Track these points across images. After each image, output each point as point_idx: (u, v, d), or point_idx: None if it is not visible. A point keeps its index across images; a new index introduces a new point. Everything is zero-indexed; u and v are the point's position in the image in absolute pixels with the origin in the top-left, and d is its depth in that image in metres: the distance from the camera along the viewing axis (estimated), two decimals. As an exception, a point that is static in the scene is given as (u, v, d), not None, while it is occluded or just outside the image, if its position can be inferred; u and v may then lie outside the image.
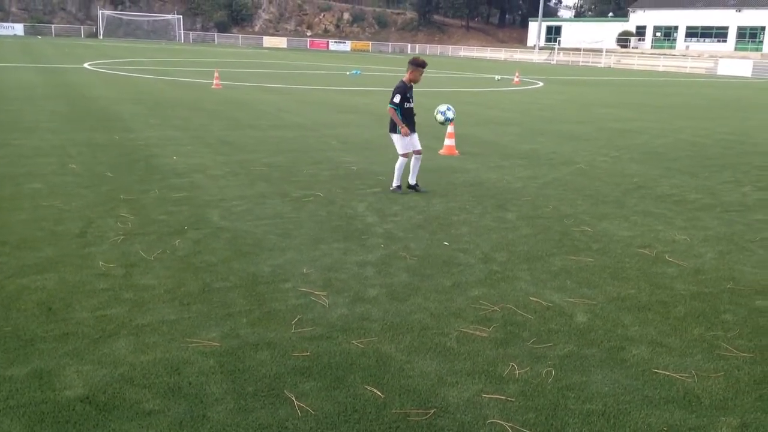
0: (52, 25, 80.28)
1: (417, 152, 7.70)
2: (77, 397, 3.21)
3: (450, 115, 8.27)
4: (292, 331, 4.02)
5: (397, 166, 7.76)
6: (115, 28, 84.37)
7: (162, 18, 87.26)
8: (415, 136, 7.69)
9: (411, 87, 7.64)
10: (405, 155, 7.63)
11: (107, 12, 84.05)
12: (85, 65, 29.64)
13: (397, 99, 7.49)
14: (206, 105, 16.33)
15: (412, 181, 7.86)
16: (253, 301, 4.45)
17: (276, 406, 3.22)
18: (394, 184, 7.85)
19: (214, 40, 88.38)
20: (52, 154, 9.29)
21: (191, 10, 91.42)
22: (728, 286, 5.11)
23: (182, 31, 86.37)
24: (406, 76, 7.57)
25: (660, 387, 3.54)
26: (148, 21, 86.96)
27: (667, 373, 3.69)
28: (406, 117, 7.56)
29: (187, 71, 29.01)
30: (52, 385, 3.31)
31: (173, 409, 3.15)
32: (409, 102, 7.58)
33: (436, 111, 8.34)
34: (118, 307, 4.24)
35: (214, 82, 21.67)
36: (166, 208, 6.69)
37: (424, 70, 7.56)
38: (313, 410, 3.19)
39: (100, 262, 5.03)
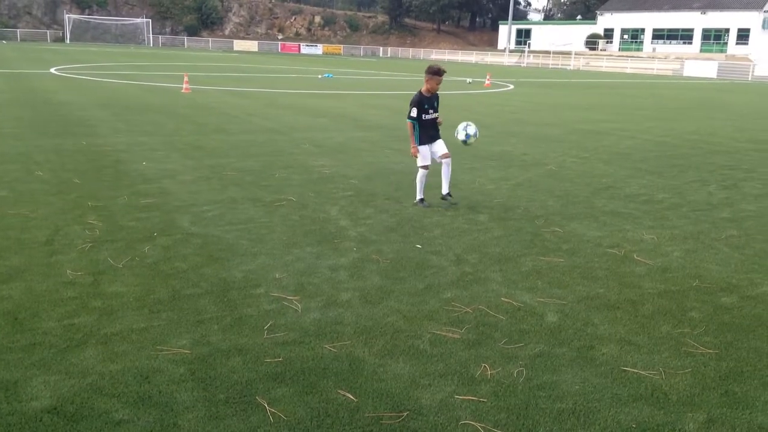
0: (18, 30, 78.82)
1: (444, 156, 7.28)
2: (44, 408, 3.16)
3: (471, 131, 7.62)
4: (264, 336, 4.00)
5: (417, 178, 7.39)
6: (82, 33, 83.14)
7: (130, 22, 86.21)
8: (440, 142, 7.30)
9: (430, 97, 7.18)
10: (425, 167, 7.28)
11: (74, 16, 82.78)
12: (51, 70, 29.15)
13: (413, 113, 7.09)
14: (176, 109, 16.17)
15: (444, 190, 7.43)
16: (224, 307, 4.41)
17: (248, 412, 3.20)
18: (417, 197, 7.44)
19: (183, 44, 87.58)
20: (17, 161, 9.12)
21: (160, 13, 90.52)
22: (694, 283, 5.21)
23: (151, 35, 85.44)
24: (423, 87, 7.15)
25: (629, 384, 3.59)
26: (116, 25, 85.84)
27: (636, 370, 3.75)
28: (426, 129, 7.19)
29: (156, 75, 28.69)
30: (18, 397, 3.25)
31: (143, 418, 3.11)
32: (428, 113, 7.15)
33: (456, 132, 7.70)
34: (86, 316, 4.18)
35: (184, 86, 21.47)
36: (135, 214, 6.61)
37: (442, 78, 7.10)
38: (286, 416, 3.18)
39: (68, 270, 4.95)
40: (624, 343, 4.09)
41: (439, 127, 7.36)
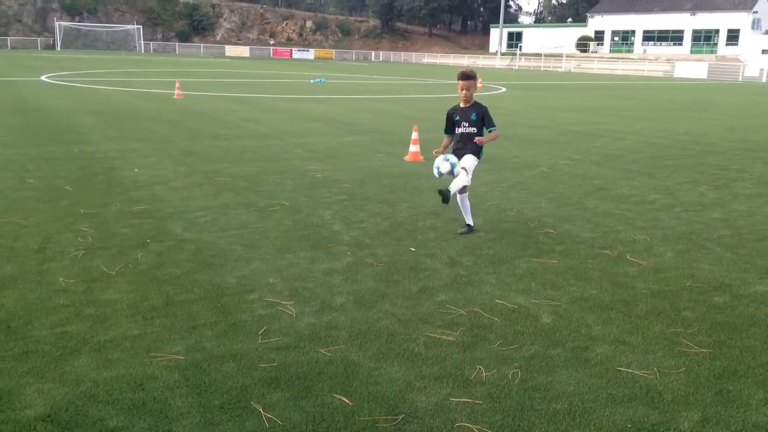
0: (8, 38, 78.53)
1: (461, 167, 6.21)
2: (38, 417, 3.14)
3: (443, 168, 6.08)
4: (259, 341, 3.99)
5: (458, 202, 6.55)
6: (73, 40, 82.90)
7: (121, 29, 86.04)
8: (466, 157, 6.27)
9: (466, 108, 6.27)
10: (461, 189, 6.33)
11: (64, 23, 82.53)
12: (42, 78, 29.05)
13: (444, 126, 6.43)
14: (168, 116, 16.14)
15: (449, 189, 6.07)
16: (218, 312, 4.40)
17: (243, 418, 3.19)
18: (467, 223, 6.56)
19: (175, 50, 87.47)
20: (8, 169, 9.08)
21: (151, 20, 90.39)
22: (687, 283, 5.23)
23: (142, 42, 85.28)
24: None
25: (623, 384, 3.60)
26: (107, 32, 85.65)
27: (630, 370, 3.76)
28: (458, 144, 6.34)
29: (147, 82, 28.64)
30: (12, 405, 3.23)
31: (138, 425, 3.09)
32: (462, 126, 6.25)
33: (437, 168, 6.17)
34: (79, 324, 4.16)
35: (176, 92, 21.44)
36: (127, 221, 6.59)
37: (464, 82, 6.15)
38: (281, 421, 3.18)
39: (60, 278, 4.93)
40: (618, 344, 4.10)
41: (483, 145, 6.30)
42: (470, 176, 6.24)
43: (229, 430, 3.09)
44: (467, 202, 6.50)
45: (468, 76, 6.14)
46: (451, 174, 6.12)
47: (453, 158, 6.17)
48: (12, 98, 19.47)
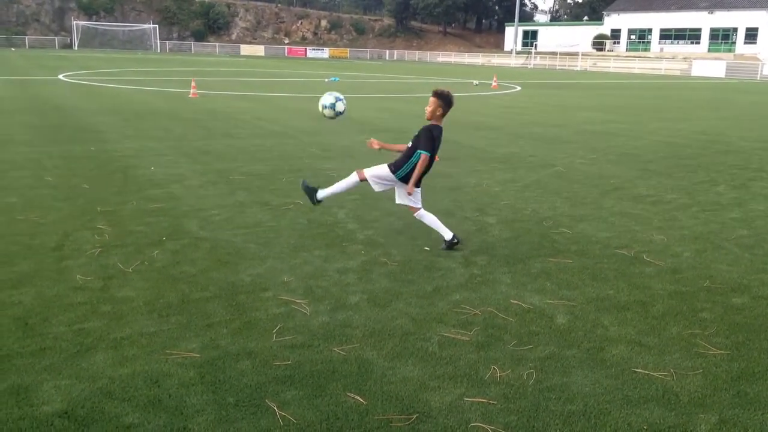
0: (26, 37, 79.37)
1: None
2: (56, 413, 3.17)
3: (330, 104, 6.05)
4: (273, 340, 4.01)
5: (430, 221, 5.86)
6: (90, 39, 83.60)
7: (138, 28, 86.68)
8: (415, 191, 5.77)
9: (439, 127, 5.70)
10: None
11: (82, 23, 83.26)
12: (60, 77, 29.32)
13: (428, 145, 5.63)
14: (183, 114, 16.23)
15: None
16: (233, 310, 4.42)
17: (258, 416, 3.20)
18: (446, 237, 5.84)
19: (191, 49, 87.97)
20: (26, 167, 9.17)
21: (167, 19, 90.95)
22: (705, 284, 5.18)
23: (158, 41, 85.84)
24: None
25: (639, 386, 3.57)
26: (123, 31, 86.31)
27: (647, 372, 3.73)
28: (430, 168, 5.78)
29: (163, 81, 28.81)
30: (29, 401, 3.26)
31: (153, 422, 3.11)
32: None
33: (327, 105, 6.11)
34: (96, 321, 4.19)
35: (191, 91, 21.54)
36: (143, 219, 6.64)
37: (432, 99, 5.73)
38: (295, 419, 3.18)
39: (77, 276, 4.97)
40: (634, 344, 4.07)
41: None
42: (418, 198, 5.80)
43: (244, 427, 3.10)
44: (430, 217, 5.81)
45: (438, 95, 5.75)
46: (333, 109, 6.15)
47: (339, 96, 6.13)
48: (30, 97, 19.67)
